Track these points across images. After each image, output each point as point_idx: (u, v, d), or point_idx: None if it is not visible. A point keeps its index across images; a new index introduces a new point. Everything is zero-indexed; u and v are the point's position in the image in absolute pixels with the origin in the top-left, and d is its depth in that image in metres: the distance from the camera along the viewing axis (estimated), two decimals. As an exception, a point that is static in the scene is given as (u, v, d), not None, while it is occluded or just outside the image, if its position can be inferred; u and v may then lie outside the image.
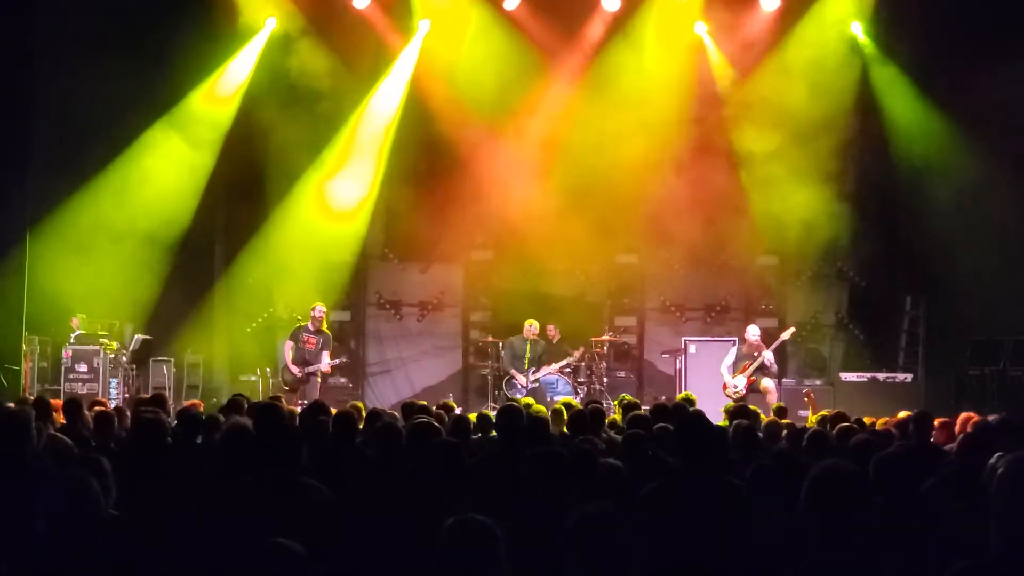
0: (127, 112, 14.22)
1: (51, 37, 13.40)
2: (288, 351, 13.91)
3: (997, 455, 5.03)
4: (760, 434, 7.44)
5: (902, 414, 8.45)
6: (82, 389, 13.23)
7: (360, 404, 9.70)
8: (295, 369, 13.74)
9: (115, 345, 14.18)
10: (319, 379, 13.91)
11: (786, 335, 14.11)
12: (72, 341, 13.89)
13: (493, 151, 15.75)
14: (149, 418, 6.19)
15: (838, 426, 7.65)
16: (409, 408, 8.44)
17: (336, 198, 15.91)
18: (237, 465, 4.88)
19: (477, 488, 5.06)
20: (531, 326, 14.50)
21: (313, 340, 13.83)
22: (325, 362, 13.76)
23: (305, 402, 12.73)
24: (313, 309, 14.03)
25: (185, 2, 14.55)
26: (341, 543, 4.43)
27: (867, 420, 8.97)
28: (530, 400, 10.13)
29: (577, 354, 14.75)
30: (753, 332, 13.74)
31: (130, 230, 14.48)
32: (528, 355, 14.38)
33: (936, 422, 7.79)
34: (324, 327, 14.03)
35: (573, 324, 15.43)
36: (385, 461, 5.49)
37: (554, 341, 14.94)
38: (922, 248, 15.39)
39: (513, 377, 14.49)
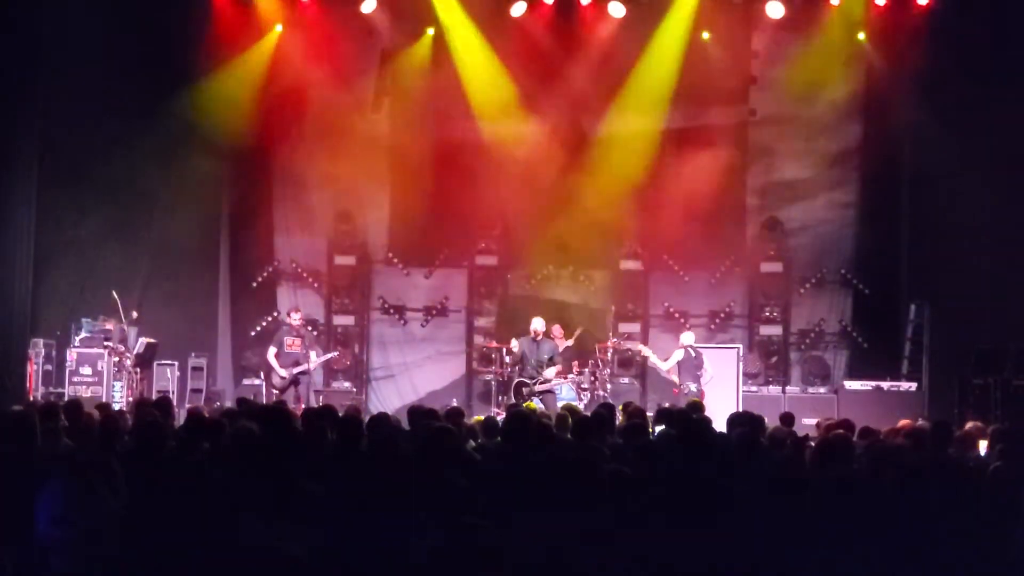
0: (135, 117, 14.23)
1: (58, 44, 13.47)
2: (272, 357, 14.02)
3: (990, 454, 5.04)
4: (764, 441, 7.43)
5: (903, 422, 8.42)
6: (86, 392, 13.22)
7: (356, 405, 9.70)
8: (283, 372, 13.85)
9: (120, 348, 14.18)
10: (311, 378, 14.18)
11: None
12: (77, 344, 13.90)
13: (498, 157, 15.76)
14: (150, 421, 6.19)
15: (841, 434, 7.61)
16: (416, 413, 8.35)
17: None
18: (243, 468, 4.88)
19: (484, 492, 5.06)
20: (536, 323, 14.19)
21: (297, 342, 14.03)
22: (314, 359, 14.04)
23: (303, 405, 12.79)
24: (289, 315, 14.41)
25: (190, 9, 14.57)
26: (342, 545, 4.44)
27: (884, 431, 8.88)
28: (532, 405, 10.07)
29: (579, 368, 14.72)
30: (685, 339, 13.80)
31: (137, 234, 14.52)
32: (535, 357, 14.18)
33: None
34: (303, 330, 14.31)
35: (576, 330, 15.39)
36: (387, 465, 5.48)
37: (557, 341, 14.80)
38: (926, 256, 15.37)
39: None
